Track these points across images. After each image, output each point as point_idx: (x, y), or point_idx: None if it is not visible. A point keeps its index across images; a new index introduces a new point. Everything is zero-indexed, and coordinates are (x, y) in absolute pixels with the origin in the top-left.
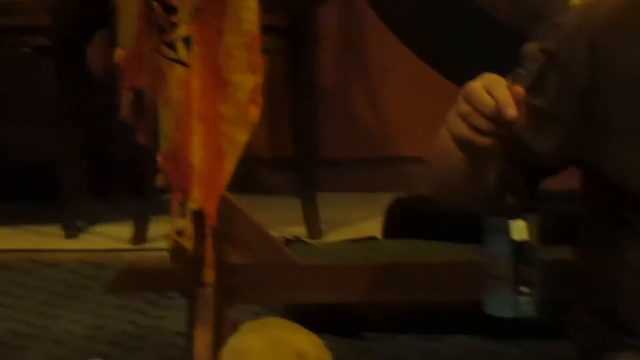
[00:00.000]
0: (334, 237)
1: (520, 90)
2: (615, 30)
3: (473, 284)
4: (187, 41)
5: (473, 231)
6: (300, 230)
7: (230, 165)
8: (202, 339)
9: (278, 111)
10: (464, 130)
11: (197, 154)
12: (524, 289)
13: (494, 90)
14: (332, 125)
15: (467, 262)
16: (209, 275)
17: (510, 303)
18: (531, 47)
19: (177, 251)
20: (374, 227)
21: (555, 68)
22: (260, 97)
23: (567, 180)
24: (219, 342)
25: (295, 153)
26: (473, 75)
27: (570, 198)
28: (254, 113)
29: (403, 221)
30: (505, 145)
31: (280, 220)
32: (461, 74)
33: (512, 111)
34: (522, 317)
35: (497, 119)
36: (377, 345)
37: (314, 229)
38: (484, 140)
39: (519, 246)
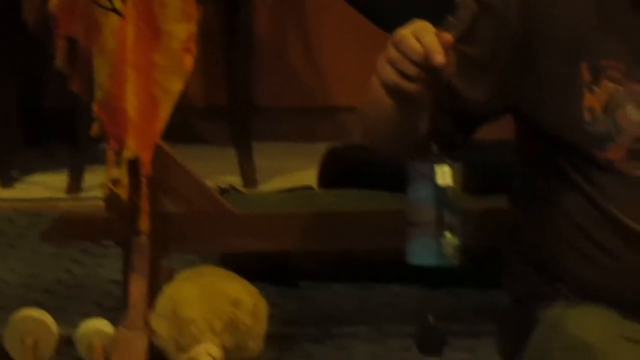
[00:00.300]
0: (269, 186)
1: (448, 36)
2: None
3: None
4: None
5: (405, 180)
6: (235, 179)
7: (164, 113)
8: (137, 288)
9: (213, 60)
10: (391, 76)
11: (131, 103)
12: (447, 235)
13: (422, 37)
14: (267, 74)
15: (400, 211)
16: (144, 224)
17: (432, 250)
18: None
19: (112, 200)
20: (309, 177)
21: (489, 17)
22: (194, 46)
23: (502, 130)
24: (153, 291)
25: (230, 102)
26: (405, 23)
27: (504, 147)
28: (188, 62)
29: (338, 170)
30: (436, 92)
31: (215, 169)
32: (394, 23)
33: (439, 57)
34: (444, 264)
35: (424, 64)
36: (312, 294)
37: (249, 178)
38: (411, 86)
39: (442, 191)
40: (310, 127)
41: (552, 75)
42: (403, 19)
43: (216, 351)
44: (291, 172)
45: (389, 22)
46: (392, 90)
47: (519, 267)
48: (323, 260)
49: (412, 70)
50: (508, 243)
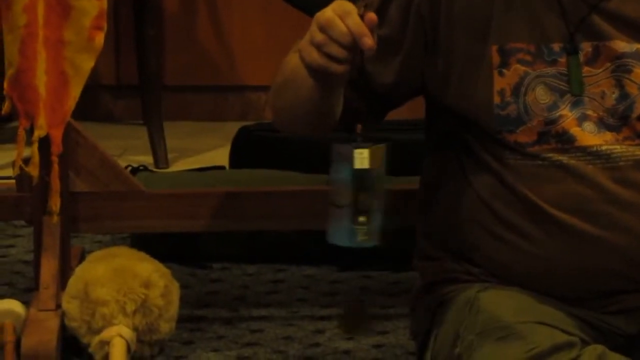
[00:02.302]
0: (180, 165)
1: (373, 16)
2: None
3: (318, 213)
4: None
5: (318, 160)
6: (146, 159)
7: (75, 92)
8: (48, 268)
9: (123, 37)
10: (318, 59)
11: (41, 80)
12: (362, 218)
13: (347, 19)
14: (177, 52)
15: (311, 191)
16: (55, 203)
17: (348, 231)
18: None
19: (22, 179)
20: (220, 156)
21: None
22: (104, 23)
23: (413, 110)
24: (65, 271)
25: (141, 80)
26: (315, 2)
27: (416, 127)
28: (99, 39)
29: (249, 150)
30: (351, 75)
31: (126, 148)
32: (305, 1)
33: (367, 40)
34: (359, 246)
35: (352, 46)
36: (224, 275)
37: (160, 157)
38: (339, 67)
39: (359, 173)
40: (221, 106)
41: (461, 57)
42: None
43: (128, 332)
44: (202, 152)
45: (302, 1)
46: (318, 73)
47: (431, 250)
48: (234, 241)
49: (340, 53)
50: (419, 225)
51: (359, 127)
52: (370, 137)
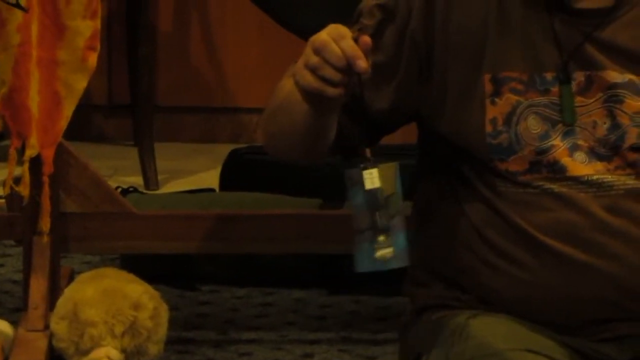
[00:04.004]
0: (170, 187)
1: (367, 40)
2: None
3: (308, 236)
4: None
5: (307, 184)
6: (136, 180)
7: (67, 111)
8: (37, 288)
9: (116, 57)
10: (313, 82)
11: (34, 100)
12: (382, 238)
13: (341, 42)
14: (170, 73)
15: (301, 215)
16: (45, 223)
17: (370, 254)
18: (367, 3)
19: (13, 198)
20: (211, 178)
21: (392, 24)
22: (97, 43)
23: (406, 135)
24: (54, 291)
25: (133, 101)
26: (310, 26)
27: (408, 152)
28: (92, 59)
29: (239, 172)
30: (345, 102)
31: (117, 169)
32: (299, 25)
33: (362, 63)
34: (385, 267)
35: (346, 70)
36: (213, 297)
37: (151, 178)
38: (334, 91)
39: (371, 193)
40: (213, 128)
41: (454, 85)
42: (308, 21)
43: (116, 354)
44: (193, 173)
45: (294, 22)
46: (313, 96)
47: (421, 275)
48: (224, 263)
49: (334, 76)
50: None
51: (367, 150)
52: (380, 159)
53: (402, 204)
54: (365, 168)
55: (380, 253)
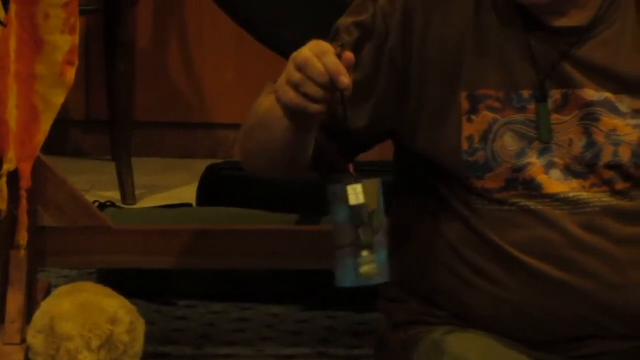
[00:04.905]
0: (148, 202)
1: (350, 56)
2: (429, 6)
3: (285, 252)
4: (5, 1)
5: (285, 199)
6: (114, 195)
7: (45, 126)
8: (14, 302)
9: (94, 73)
10: (295, 99)
11: (12, 114)
12: (365, 253)
13: (324, 58)
14: (147, 89)
15: (278, 231)
16: (22, 238)
17: (353, 269)
18: (345, 21)
19: None
20: (188, 193)
21: (370, 41)
22: (76, 58)
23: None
24: (31, 305)
25: (111, 116)
26: (288, 43)
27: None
28: (70, 74)
29: (216, 188)
30: (323, 119)
31: (95, 184)
32: (276, 41)
33: (345, 79)
34: (367, 283)
35: (329, 86)
36: (190, 312)
37: (128, 193)
38: (317, 107)
39: (356, 209)
40: (190, 144)
41: (432, 103)
42: (286, 37)
43: None
44: (170, 189)
45: (272, 39)
46: (295, 113)
47: (397, 291)
48: (201, 278)
49: (317, 92)
50: None
51: (351, 166)
52: (362, 175)
53: (384, 220)
54: (349, 184)
55: (364, 269)
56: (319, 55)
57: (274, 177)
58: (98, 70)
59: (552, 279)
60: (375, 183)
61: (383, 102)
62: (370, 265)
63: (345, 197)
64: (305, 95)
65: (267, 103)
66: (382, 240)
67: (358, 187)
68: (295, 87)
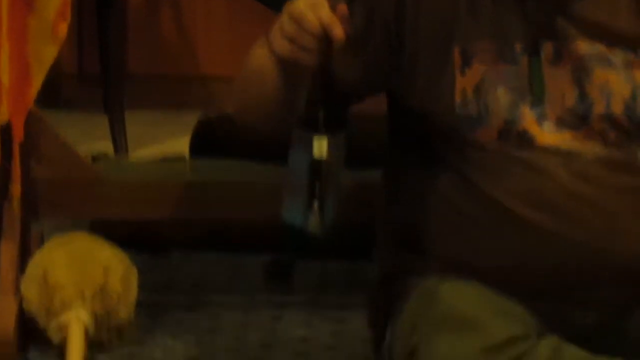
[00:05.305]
0: (140, 154)
1: (344, 8)
2: None
3: (277, 203)
4: None
5: (277, 151)
6: (106, 147)
7: (37, 80)
8: (8, 253)
9: (86, 25)
10: (288, 50)
11: (4, 69)
12: (315, 207)
13: (318, 10)
14: (139, 41)
15: (270, 182)
16: (16, 190)
17: (300, 215)
18: None
19: None
20: (180, 145)
21: None
22: (68, 12)
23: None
24: (24, 256)
25: (102, 68)
26: None
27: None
28: (62, 29)
29: (209, 140)
30: (315, 69)
31: (87, 136)
32: None
33: (338, 31)
34: (309, 232)
35: (322, 37)
36: (183, 263)
37: (121, 145)
38: (310, 58)
39: (316, 163)
40: (182, 96)
41: (425, 58)
42: None
43: (86, 317)
44: (163, 141)
45: None
46: (289, 63)
47: (390, 242)
48: (194, 229)
49: (310, 43)
50: (379, 218)
51: (321, 115)
52: (331, 127)
53: (340, 177)
54: (317, 134)
55: (311, 220)
56: (313, 7)
57: (267, 130)
58: (90, 21)
59: (544, 228)
60: (339, 138)
61: (376, 57)
62: (317, 218)
63: (309, 147)
64: (299, 47)
65: (260, 57)
66: (333, 195)
67: (324, 141)
68: (289, 38)
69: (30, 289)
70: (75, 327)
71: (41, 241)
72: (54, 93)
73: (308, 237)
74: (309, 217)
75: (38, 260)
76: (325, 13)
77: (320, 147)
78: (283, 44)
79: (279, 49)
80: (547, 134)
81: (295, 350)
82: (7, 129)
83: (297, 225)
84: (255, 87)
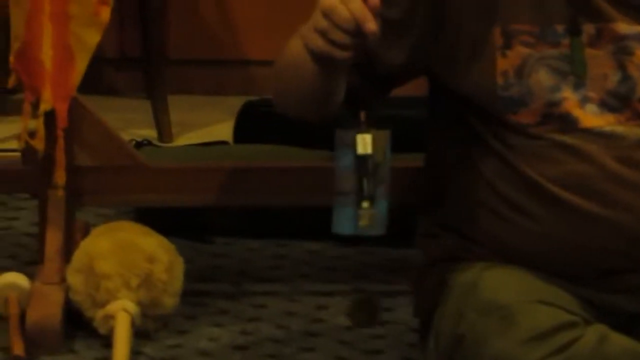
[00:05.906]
0: (184, 140)
1: (375, 1)
2: None
3: (321, 189)
4: None
5: (321, 136)
6: (150, 133)
7: (81, 66)
8: (53, 241)
9: (127, 10)
10: (322, 45)
11: (47, 54)
12: (366, 204)
13: (350, 4)
14: (180, 26)
15: (314, 168)
16: (60, 177)
17: (351, 218)
18: None
19: (28, 152)
20: (224, 130)
21: None
22: None
23: (417, 87)
24: (69, 244)
25: (144, 54)
26: None
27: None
28: (105, 13)
29: (253, 125)
30: (356, 58)
31: (130, 123)
32: None
33: (371, 25)
34: (363, 234)
35: (355, 32)
36: (227, 249)
37: (165, 131)
38: (343, 54)
39: (362, 160)
40: (224, 81)
41: (467, 39)
42: None
43: (132, 307)
44: (206, 126)
45: None
46: (322, 59)
47: (434, 227)
48: (238, 216)
49: (344, 39)
50: (422, 204)
51: (362, 113)
52: (374, 123)
53: (388, 173)
54: (359, 132)
55: (363, 220)
56: (345, 1)
57: (305, 120)
58: (131, 7)
59: (588, 213)
60: (384, 134)
61: (420, 40)
62: (369, 217)
63: (353, 145)
64: (332, 42)
65: (297, 46)
66: (383, 192)
67: (367, 137)
68: (322, 33)
69: (76, 278)
70: (121, 317)
71: (87, 230)
72: (95, 78)
73: (358, 237)
74: (360, 219)
75: (83, 249)
76: (357, 6)
77: (365, 143)
78: (316, 40)
79: (311, 44)
80: (590, 117)
81: (341, 339)
82: (50, 115)
83: (349, 228)
84: (292, 78)
